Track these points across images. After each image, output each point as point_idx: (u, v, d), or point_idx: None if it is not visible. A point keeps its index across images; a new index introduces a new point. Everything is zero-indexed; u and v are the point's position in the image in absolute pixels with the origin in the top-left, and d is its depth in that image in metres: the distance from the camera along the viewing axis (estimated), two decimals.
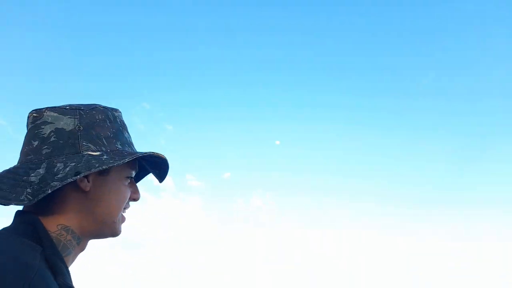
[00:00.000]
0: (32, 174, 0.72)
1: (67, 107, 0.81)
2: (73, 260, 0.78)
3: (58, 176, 0.72)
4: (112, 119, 0.84)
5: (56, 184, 0.70)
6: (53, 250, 0.69)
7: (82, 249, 0.80)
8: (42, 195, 0.69)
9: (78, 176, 0.72)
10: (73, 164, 0.74)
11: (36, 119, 0.79)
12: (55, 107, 0.80)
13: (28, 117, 0.80)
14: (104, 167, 0.75)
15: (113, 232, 0.83)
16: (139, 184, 0.95)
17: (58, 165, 0.74)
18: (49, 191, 0.70)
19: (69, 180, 0.71)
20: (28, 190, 0.70)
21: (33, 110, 0.80)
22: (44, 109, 0.80)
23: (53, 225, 0.73)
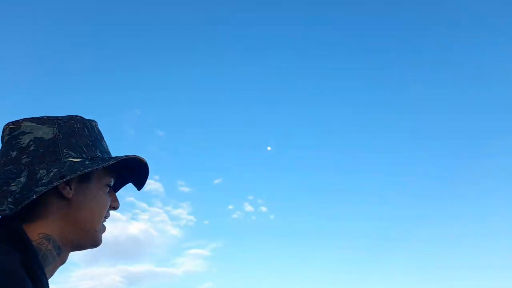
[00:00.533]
0: (13, 184, 0.72)
1: (45, 117, 0.81)
2: (52, 272, 0.77)
3: (43, 181, 0.72)
4: (90, 128, 0.85)
5: (42, 189, 0.70)
6: (33, 258, 0.67)
7: (63, 261, 0.79)
8: (26, 201, 0.69)
9: (64, 179, 0.72)
10: (56, 169, 0.74)
11: (13, 130, 0.79)
12: (32, 118, 0.80)
13: (4, 129, 0.80)
14: (88, 169, 0.75)
15: (94, 241, 0.82)
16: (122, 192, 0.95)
17: (41, 172, 0.73)
18: (34, 197, 0.69)
19: (55, 184, 0.71)
20: (9, 199, 0.69)
21: (9, 122, 0.80)
22: (21, 120, 0.79)
23: (34, 233, 0.72)
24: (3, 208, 0.68)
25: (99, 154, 0.83)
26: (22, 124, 0.79)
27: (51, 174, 0.73)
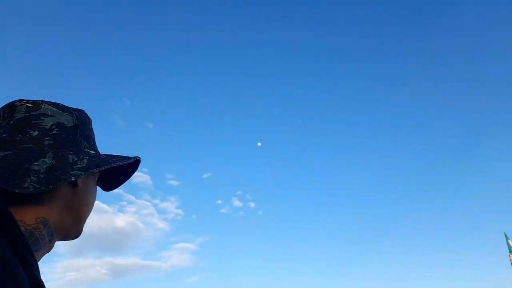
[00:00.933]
0: (36, 163, 0.71)
1: (60, 105, 0.82)
2: (39, 259, 0.75)
3: (78, 166, 0.74)
4: (91, 124, 0.88)
5: (81, 173, 0.73)
6: (22, 242, 0.66)
7: (50, 249, 0.78)
8: (61, 182, 0.70)
9: (101, 168, 0.76)
10: (87, 157, 0.77)
11: (32, 109, 0.78)
12: (50, 102, 0.81)
13: (17, 105, 0.78)
14: (119, 163, 0.81)
15: (79, 233, 0.84)
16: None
17: (71, 156, 0.75)
18: (73, 179, 0.72)
19: (94, 170, 0.75)
20: (33, 178, 0.69)
21: (22, 100, 0.79)
22: (40, 101, 0.80)
23: (31, 217, 0.71)
24: (26, 185, 0.67)
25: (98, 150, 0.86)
26: (43, 106, 0.79)
27: (85, 161, 0.76)
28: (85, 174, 0.73)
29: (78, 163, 0.75)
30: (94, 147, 0.84)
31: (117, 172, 0.93)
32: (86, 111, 0.89)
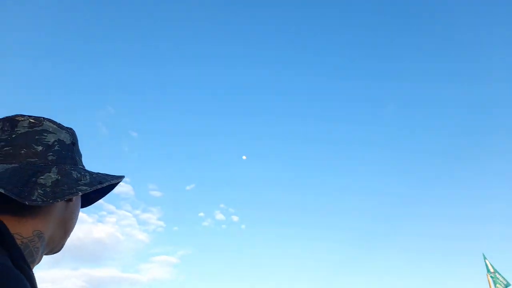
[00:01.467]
0: (42, 177, 0.74)
1: (57, 123, 0.85)
2: None
3: (83, 182, 0.78)
4: None
5: (87, 189, 0.77)
6: (20, 256, 0.67)
7: (38, 262, 0.79)
8: (69, 196, 0.73)
9: (103, 185, 0.80)
10: (88, 174, 0.81)
11: (35, 125, 0.80)
12: (49, 119, 0.84)
13: (19, 120, 0.80)
14: (117, 181, 0.84)
15: (62, 247, 0.86)
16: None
17: (74, 173, 0.79)
18: (80, 194, 0.75)
19: (98, 186, 0.79)
20: (40, 191, 0.71)
21: (24, 115, 0.81)
22: (41, 118, 0.82)
23: (28, 230, 0.72)
24: (35, 198, 0.69)
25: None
26: (44, 123, 0.82)
27: (88, 177, 0.80)
28: (90, 190, 0.76)
29: (82, 179, 0.78)
30: (82, 163, 0.87)
31: (98, 190, 0.94)
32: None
